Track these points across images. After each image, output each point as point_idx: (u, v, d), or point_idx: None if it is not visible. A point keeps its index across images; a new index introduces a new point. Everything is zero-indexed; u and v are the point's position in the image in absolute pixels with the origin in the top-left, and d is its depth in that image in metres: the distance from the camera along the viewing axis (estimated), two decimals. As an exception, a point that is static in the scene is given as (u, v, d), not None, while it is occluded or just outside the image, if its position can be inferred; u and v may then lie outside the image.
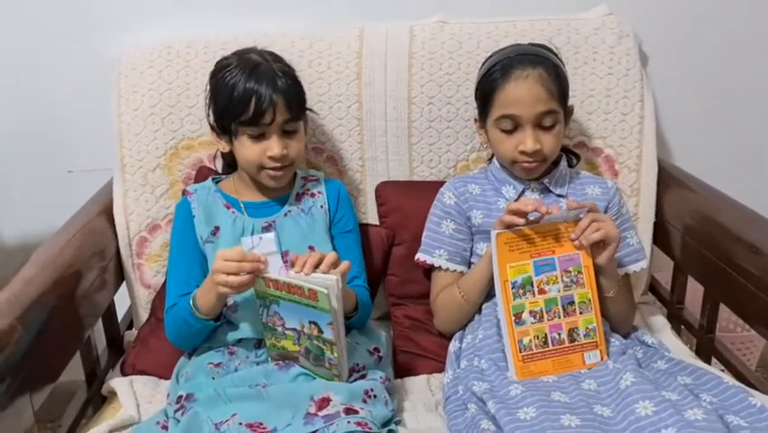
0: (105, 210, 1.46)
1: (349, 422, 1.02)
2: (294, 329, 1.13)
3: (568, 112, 1.33)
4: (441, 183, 1.42)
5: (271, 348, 1.19)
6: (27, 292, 1.09)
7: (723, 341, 1.42)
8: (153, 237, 1.48)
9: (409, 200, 1.46)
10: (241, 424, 1.04)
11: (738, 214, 1.31)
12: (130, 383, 1.30)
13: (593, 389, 1.11)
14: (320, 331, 1.10)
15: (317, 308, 1.07)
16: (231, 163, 1.38)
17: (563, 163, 1.37)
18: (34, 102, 1.63)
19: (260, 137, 1.24)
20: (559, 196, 1.33)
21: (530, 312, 1.19)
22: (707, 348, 1.42)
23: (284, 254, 1.23)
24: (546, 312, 1.19)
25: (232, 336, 1.25)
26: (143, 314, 1.50)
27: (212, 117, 1.30)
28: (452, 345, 1.31)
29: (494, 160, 1.39)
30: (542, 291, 1.19)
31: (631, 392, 1.04)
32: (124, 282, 1.49)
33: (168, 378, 1.29)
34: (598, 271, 1.22)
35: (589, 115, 1.51)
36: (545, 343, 1.18)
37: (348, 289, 1.19)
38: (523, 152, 1.27)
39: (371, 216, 1.53)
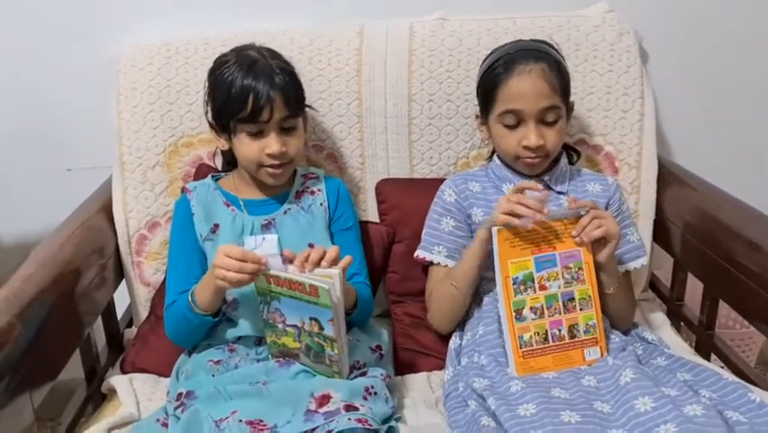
0: (104, 208, 1.45)
1: (349, 419, 1.02)
2: (294, 326, 1.13)
3: (569, 108, 1.33)
4: (441, 180, 1.42)
5: (272, 345, 1.19)
6: (26, 290, 1.09)
7: (722, 338, 1.43)
8: (153, 235, 1.48)
9: (409, 198, 1.46)
10: (241, 421, 1.04)
11: (738, 211, 1.31)
12: (130, 381, 1.30)
13: (593, 385, 1.11)
14: (321, 328, 1.10)
15: (318, 305, 1.07)
16: (230, 161, 1.37)
17: (564, 160, 1.37)
18: (34, 101, 1.63)
19: (258, 134, 1.24)
20: (560, 193, 1.33)
21: (531, 308, 1.19)
22: (706, 345, 1.42)
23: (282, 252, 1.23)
24: (547, 308, 1.19)
25: (232, 333, 1.25)
26: (143, 312, 1.49)
27: (210, 115, 1.30)
28: (453, 342, 1.31)
29: (494, 157, 1.39)
30: (543, 288, 1.19)
31: (630, 388, 1.05)
32: (124, 280, 1.49)
33: (167, 376, 1.29)
34: (598, 267, 1.22)
35: (589, 112, 1.51)
36: (546, 339, 1.18)
37: (347, 285, 1.19)
38: (526, 148, 1.26)
39: (372, 213, 1.53)
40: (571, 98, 1.35)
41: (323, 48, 1.49)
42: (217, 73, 1.26)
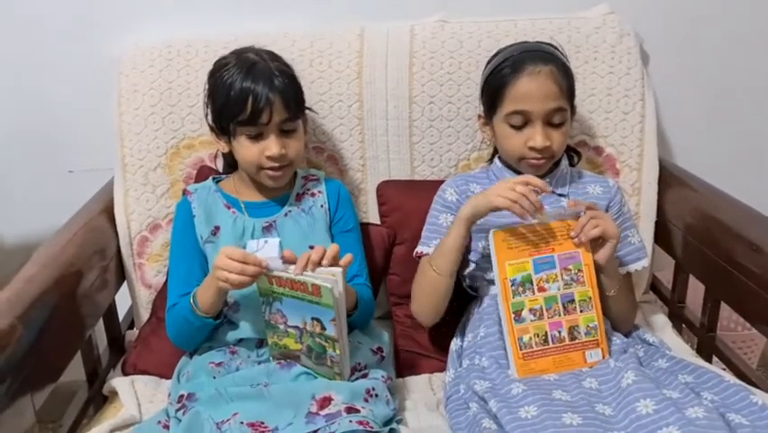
0: (106, 209, 1.46)
1: (351, 421, 1.02)
2: (296, 327, 1.13)
3: (573, 111, 1.33)
4: (442, 182, 1.41)
5: (273, 347, 1.19)
6: (28, 291, 1.09)
7: (724, 339, 1.43)
8: (154, 237, 1.48)
9: (410, 200, 1.46)
10: (242, 423, 1.04)
11: (739, 212, 1.31)
12: (131, 383, 1.30)
13: (594, 387, 1.11)
14: (323, 328, 1.10)
15: (321, 304, 1.07)
16: (231, 163, 1.37)
17: (564, 162, 1.36)
18: (34, 102, 1.63)
19: (258, 137, 1.24)
20: (560, 195, 1.33)
21: (530, 310, 1.19)
22: (708, 347, 1.42)
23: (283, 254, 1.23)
24: (546, 310, 1.19)
25: (233, 335, 1.25)
26: (144, 314, 1.50)
27: (210, 117, 1.30)
28: (454, 344, 1.31)
29: (496, 159, 1.39)
30: (541, 289, 1.19)
31: (632, 391, 1.04)
32: (125, 282, 1.49)
33: (169, 378, 1.29)
34: (598, 269, 1.22)
35: (590, 113, 1.51)
36: (546, 341, 1.18)
37: (348, 286, 1.19)
38: (532, 148, 1.26)
39: (372, 215, 1.53)
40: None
41: (323, 50, 1.50)
42: (217, 76, 1.26)
